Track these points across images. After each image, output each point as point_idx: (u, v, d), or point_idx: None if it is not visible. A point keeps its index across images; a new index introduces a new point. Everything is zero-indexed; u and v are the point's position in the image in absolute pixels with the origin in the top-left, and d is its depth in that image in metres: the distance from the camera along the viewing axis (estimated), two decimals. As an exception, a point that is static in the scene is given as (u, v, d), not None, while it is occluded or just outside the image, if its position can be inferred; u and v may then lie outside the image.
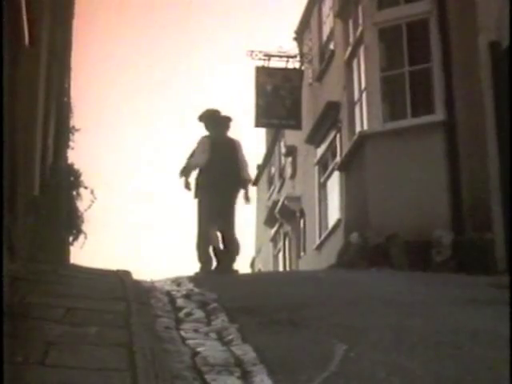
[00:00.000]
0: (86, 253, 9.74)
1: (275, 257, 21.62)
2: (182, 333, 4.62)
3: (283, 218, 19.05)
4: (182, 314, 5.22)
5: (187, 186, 9.80)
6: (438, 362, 4.10)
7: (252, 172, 9.92)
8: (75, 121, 10.96)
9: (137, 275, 6.78)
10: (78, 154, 11.03)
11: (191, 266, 11.02)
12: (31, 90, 6.77)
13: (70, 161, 10.54)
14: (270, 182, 22.88)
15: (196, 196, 9.80)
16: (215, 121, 9.89)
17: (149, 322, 4.69)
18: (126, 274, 6.59)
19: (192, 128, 11.59)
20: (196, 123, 10.07)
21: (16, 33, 5.56)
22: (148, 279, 7.29)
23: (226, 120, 10.01)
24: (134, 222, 49.78)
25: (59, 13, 8.93)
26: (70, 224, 9.13)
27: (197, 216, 9.75)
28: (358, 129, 11.39)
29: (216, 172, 9.54)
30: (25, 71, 6.18)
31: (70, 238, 9.42)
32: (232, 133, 10.20)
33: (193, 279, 7.66)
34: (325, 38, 16.02)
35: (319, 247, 15.13)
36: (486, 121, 9.57)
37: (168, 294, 6.09)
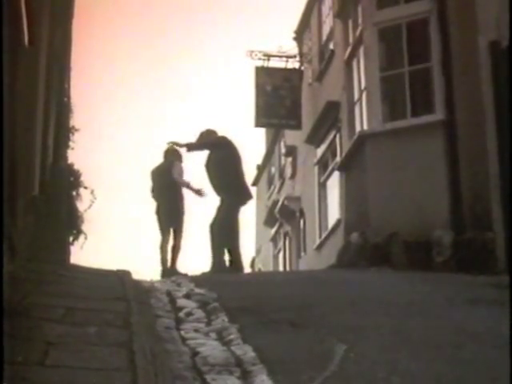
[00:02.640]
0: (86, 253, 9.74)
1: (275, 257, 21.61)
2: (183, 333, 4.62)
3: (283, 217, 19.05)
4: (182, 314, 5.22)
5: None
6: (438, 362, 4.10)
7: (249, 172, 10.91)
8: (75, 121, 10.97)
9: (137, 275, 6.80)
10: (77, 154, 11.05)
11: (191, 266, 11.16)
12: (31, 90, 6.77)
13: (69, 161, 10.54)
14: (270, 182, 22.88)
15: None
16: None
17: (149, 321, 4.69)
18: (126, 273, 6.59)
19: (191, 128, 11.64)
20: (193, 123, 10.37)
21: (16, 33, 5.56)
22: (148, 279, 7.30)
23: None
24: (134, 222, 49.75)
25: (59, 13, 8.93)
26: (70, 224, 9.13)
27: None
28: (357, 129, 11.38)
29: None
30: (25, 71, 6.18)
31: (70, 238, 9.41)
32: (231, 133, 11.01)
33: (193, 279, 7.67)
34: (324, 37, 16.02)
35: (319, 247, 15.13)
36: (486, 121, 9.56)
37: (168, 293, 6.09)
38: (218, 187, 10.61)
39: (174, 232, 11.39)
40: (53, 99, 8.87)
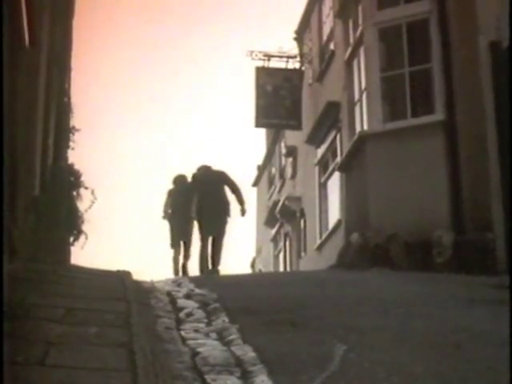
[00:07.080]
0: (87, 253, 9.73)
1: (276, 257, 21.59)
2: (183, 333, 4.62)
3: (284, 218, 19.04)
4: (182, 315, 5.22)
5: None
6: (439, 362, 4.10)
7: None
8: (75, 121, 10.97)
9: (137, 276, 6.79)
10: (78, 154, 11.03)
11: (191, 266, 11.23)
12: (31, 90, 6.77)
13: (70, 161, 10.54)
14: (271, 183, 22.87)
15: None
16: None
17: (149, 322, 4.69)
18: (127, 274, 6.59)
19: (191, 128, 11.66)
20: (193, 124, 10.43)
21: (16, 33, 5.57)
22: (148, 279, 7.30)
23: None
24: (134, 222, 49.75)
25: (59, 13, 8.94)
26: (71, 224, 9.12)
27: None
28: (358, 129, 11.39)
29: None
30: (25, 71, 6.18)
31: (71, 239, 9.40)
32: (231, 133, 11.29)
33: (193, 280, 7.67)
34: (325, 38, 16.01)
35: (320, 247, 15.12)
36: (486, 121, 9.56)
37: (168, 294, 6.09)
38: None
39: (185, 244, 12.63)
40: (53, 99, 8.87)
